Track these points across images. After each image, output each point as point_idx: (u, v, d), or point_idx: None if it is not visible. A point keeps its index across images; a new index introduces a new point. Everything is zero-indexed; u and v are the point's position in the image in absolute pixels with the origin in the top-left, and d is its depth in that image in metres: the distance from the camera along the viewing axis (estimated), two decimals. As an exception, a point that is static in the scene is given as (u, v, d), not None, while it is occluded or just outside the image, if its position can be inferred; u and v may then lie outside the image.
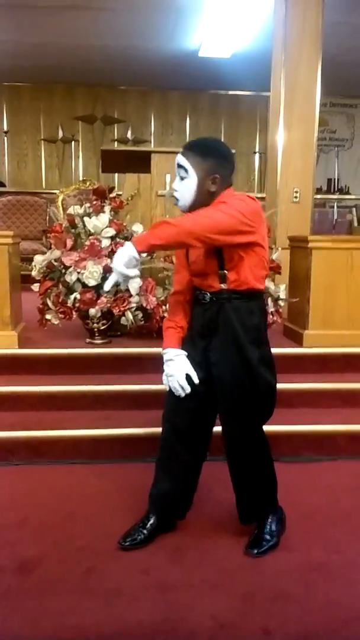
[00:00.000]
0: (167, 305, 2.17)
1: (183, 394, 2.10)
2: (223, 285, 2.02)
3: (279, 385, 3.42)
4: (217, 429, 2.24)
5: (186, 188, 1.97)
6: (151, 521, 2.27)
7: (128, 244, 1.84)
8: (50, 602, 1.92)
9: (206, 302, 2.07)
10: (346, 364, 3.65)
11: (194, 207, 1.97)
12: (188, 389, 2.09)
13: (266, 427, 3.10)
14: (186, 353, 2.13)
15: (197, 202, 1.97)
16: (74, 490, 2.67)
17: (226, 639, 1.77)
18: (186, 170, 1.95)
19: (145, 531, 2.25)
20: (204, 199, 1.97)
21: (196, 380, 2.09)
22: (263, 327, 2.15)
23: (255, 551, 2.20)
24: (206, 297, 2.07)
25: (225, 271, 2.00)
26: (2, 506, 2.54)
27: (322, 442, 3.12)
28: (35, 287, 3.62)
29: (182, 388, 2.09)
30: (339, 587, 2.03)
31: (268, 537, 2.24)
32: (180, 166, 1.97)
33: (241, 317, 2.04)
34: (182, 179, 1.97)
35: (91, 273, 3.43)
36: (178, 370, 2.10)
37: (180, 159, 1.97)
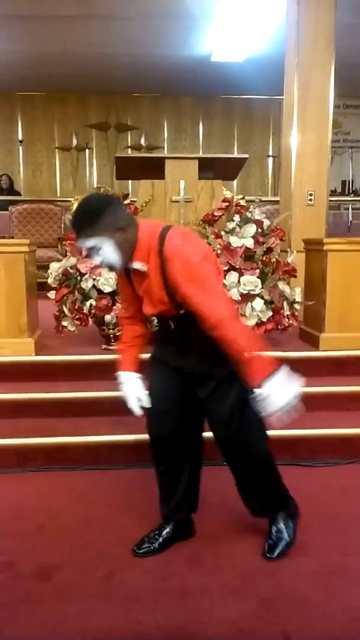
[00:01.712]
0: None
1: (139, 414, 2.16)
2: (181, 311, 2.04)
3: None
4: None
5: (107, 255, 1.96)
6: (167, 529, 2.27)
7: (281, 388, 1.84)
8: (69, 607, 1.93)
9: (172, 328, 2.11)
10: (363, 366, 3.63)
11: (125, 260, 1.98)
12: (139, 413, 2.15)
13: (283, 432, 3.10)
14: (138, 375, 2.21)
15: (124, 254, 1.97)
16: (91, 495, 2.68)
17: (245, 644, 1.76)
18: (94, 245, 1.95)
19: (160, 539, 2.25)
20: (126, 248, 1.97)
21: (146, 405, 2.15)
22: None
23: (274, 555, 2.18)
24: (170, 323, 2.10)
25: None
26: (20, 512, 2.56)
27: (339, 445, 3.10)
28: (52, 294, 3.65)
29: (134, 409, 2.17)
30: (358, 591, 2.01)
31: (280, 536, 2.22)
32: (89, 248, 1.98)
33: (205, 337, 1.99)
34: (97, 252, 1.97)
35: (106, 280, 3.45)
36: (129, 394, 2.19)
37: (85, 242, 1.96)
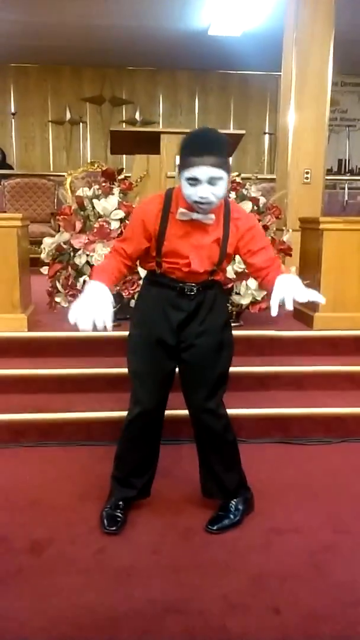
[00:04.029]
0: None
1: (81, 327, 1.82)
2: (211, 277, 2.08)
3: (289, 368, 3.44)
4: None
5: (222, 190, 1.90)
6: (122, 503, 2.28)
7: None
8: (61, 581, 1.94)
9: (193, 293, 2.08)
10: (356, 346, 3.64)
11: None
12: (83, 327, 1.82)
13: (276, 410, 3.12)
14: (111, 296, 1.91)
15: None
16: (84, 471, 2.69)
17: (237, 619, 1.78)
18: (219, 176, 1.86)
19: (122, 513, 2.26)
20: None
21: (96, 326, 1.83)
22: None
23: (215, 527, 2.22)
24: (193, 289, 2.07)
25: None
26: (12, 487, 2.56)
27: (331, 424, 3.11)
28: (45, 270, 3.62)
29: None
30: (349, 568, 2.03)
31: (232, 516, 2.26)
32: (211, 177, 1.86)
33: (222, 302, 2.21)
34: (214, 183, 1.86)
35: (100, 256, 3.41)
36: (92, 308, 1.84)
37: (210, 169, 1.83)
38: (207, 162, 1.83)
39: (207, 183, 1.85)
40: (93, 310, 1.83)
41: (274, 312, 1.85)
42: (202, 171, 1.83)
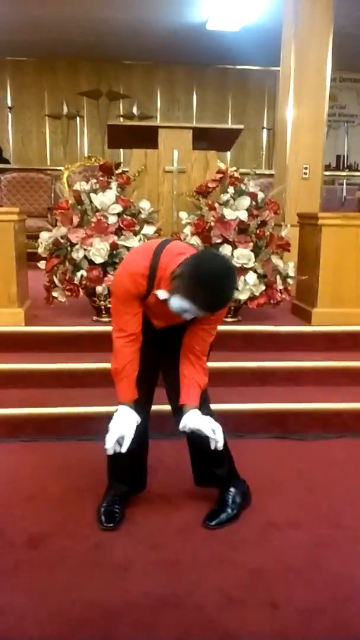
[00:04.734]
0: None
1: (109, 451, 1.99)
2: None
3: (287, 363, 3.44)
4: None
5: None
6: (119, 499, 2.28)
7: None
8: (58, 576, 1.94)
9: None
10: (354, 342, 3.63)
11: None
12: (112, 449, 1.99)
13: (274, 405, 3.12)
14: (134, 409, 2.05)
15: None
16: (81, 466, 2.68)
17: (234, 613, 1.78)
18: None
19: (119, 509, 2.26)
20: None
21: (123, 450, 2.00)
22: None
23: (213, 523, 2.22)
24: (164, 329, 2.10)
25: None
26: (9, 482, 2.56)
27: (329, 419, 3.11)
28: (42, 264, 3.60)
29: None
30: (346, 562, 2.03)
31: (229, 510, 2.26)
32: None
33: None
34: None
35: (98, 250, 3.40)
36: (117, 429, 1.99)
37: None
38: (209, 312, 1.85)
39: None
40: (118, 434, 1.98)
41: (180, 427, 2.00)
42: (201, 314, 1.85)
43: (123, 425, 1.98)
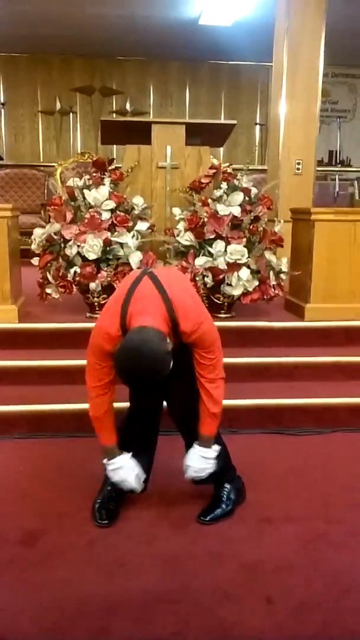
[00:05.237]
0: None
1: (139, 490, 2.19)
2: None
3: (280, 359, 3.45)
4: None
5: None
6: (115, 495, 2.28)
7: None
8: (53, 572, 1.94)
9: None
10: (347, 337, 3.65)
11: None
12: (140, 489, 2.20)
13: (267, 401, 3.13)
14: (129, 455, 2.17)
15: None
16: (75, 463, 2.68)
17: (229, 609, 1.78)
18: None
19: (114, 505, 2.27)
20: None
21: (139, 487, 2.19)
22: None
23: (208, 518, 2.23)
24: None
25: None
26: (3, 479, 2.55)
27: (322, 414, 3.12)
28: (35, 261, 3.59)
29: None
30: (341, 557, 2.04)
31: (224, 505, 2.27)
32: None
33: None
34: None
35: (91, 246, 3.39)
36: (128, 477, 2.16)
37: None
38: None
39: None
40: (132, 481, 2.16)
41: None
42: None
43: (124, 478, 2.16)
